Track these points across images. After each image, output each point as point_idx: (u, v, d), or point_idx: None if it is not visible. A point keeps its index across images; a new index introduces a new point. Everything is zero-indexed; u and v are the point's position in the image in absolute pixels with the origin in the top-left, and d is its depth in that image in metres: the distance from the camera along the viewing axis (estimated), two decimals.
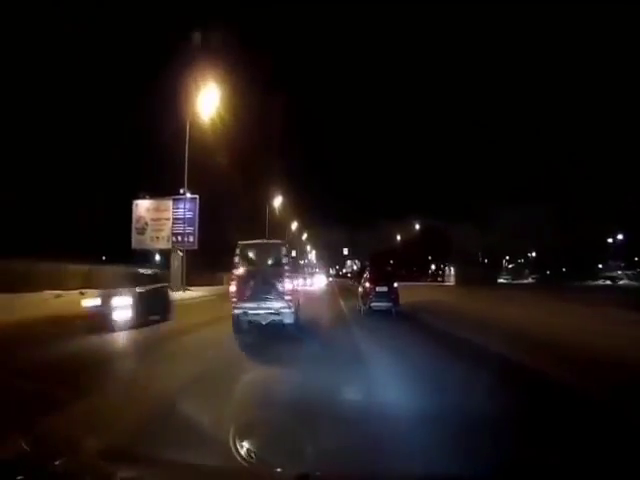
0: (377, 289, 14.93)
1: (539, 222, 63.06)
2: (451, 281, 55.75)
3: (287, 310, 9.67)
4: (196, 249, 23.32)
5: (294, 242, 71.90)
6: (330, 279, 73.08)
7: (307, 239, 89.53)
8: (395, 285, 15.17)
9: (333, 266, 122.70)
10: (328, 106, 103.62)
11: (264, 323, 9.90)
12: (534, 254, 73.77)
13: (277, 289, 9.68)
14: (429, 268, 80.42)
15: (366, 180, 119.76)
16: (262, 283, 9.71)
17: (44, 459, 1.69)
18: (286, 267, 9.91)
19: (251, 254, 10.18)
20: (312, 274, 56.61)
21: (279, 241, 10.95)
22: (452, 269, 56.88)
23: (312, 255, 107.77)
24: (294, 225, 64.84)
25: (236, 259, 10.05)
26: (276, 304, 9.62)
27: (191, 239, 24.01)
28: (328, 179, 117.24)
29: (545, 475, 2.44)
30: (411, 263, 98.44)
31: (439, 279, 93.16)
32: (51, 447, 1.86)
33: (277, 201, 45.68)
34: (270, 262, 10.05)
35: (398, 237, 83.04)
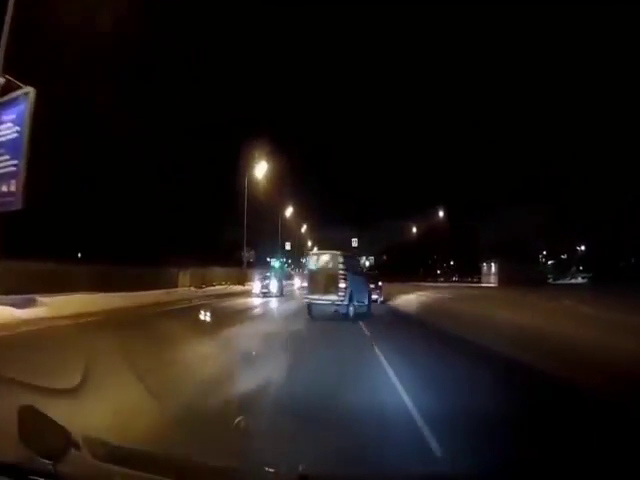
0: None
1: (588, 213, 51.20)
2: (491, 281, 42.84)
3: (342, 303, 12.89)
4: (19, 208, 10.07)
5: (293, 234, 59.98)
6: None
7: (308, 233, 76.87)
8: (380, 284, 21.42)
9: None
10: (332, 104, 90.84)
11: (330, 311, 13.39)
12: (583, 248, 60.23)
13: (333, 287, 12.89)
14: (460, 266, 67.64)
15: (373, 174, 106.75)
16: (324, 282, 13.00)
17: (44, 459, 1.65)
18: (341, 271, 12.97)
19: (317, 259, 13.81)
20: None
21: (338, 252, 13.61)
22: (493, 266, 43.77)
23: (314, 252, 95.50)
24: (289, 211, 51.40)
25: (307, 263, 14.49)
26: (333, 297, 12.83)
27: (12, 187, 9.95)
28: (332, 173, 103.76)
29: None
30: (432, 260, 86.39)
31: (454, 278, 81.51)
32: (51, 447, 1.70)
33: (260, 170, 32.40)
34: (330, 266, 13.19)
35: (414, 230, 70.38)
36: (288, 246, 48.41)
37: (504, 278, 40.85)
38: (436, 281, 76.17)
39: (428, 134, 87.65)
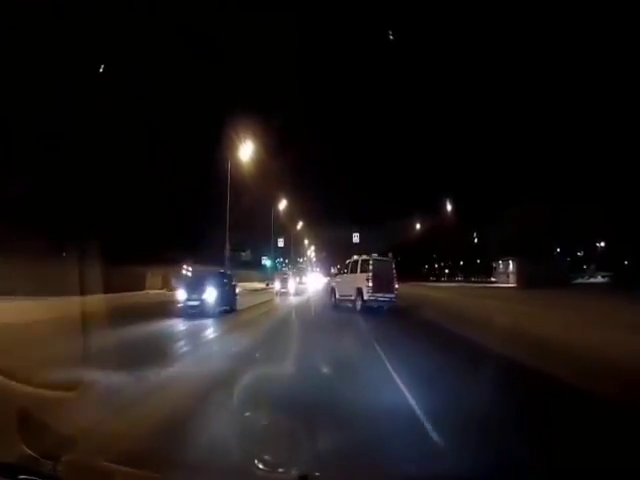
0: None
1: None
2: (508, 281, 38.35)
3: (394, 299, 17.20)
4: None
5: (288, 231, 55.38)
6: (329, 279, 59.46)
7: (305, 231, 72.44)
8: None
9: (335, 265, 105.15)
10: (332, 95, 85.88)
11: (375, 306, 16.75)
12: (602, 244, 55.68)
13: (390, 286, 17.16)
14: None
15: (374, 169, 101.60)
16: (385, 282, 16.89)
17: (44, 459, 1.67)
18: (394, 274, 17.54)
19: (377, 264, 17.26)
20: (300, 272, 39.48)
21: (390, 258, 19.05)
22: (510, 265, 39.29)
23: (311, 251, 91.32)
24: (284, 206, 46.66)
25: (370, 267, 16.86)
26: (389, 295, 17.07)
27: None
28: (331, 169, 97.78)
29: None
30: (435, 259, 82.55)
31: (457, 278, 76.94)
32: (51, 447, 1.77)
33: (245, 152, 27.86)
34: (387, 270, 17.35)
35: (418, 226, 65.84)
36: (281, 242, 43.88)
37: (523, 278, 36.40)
38: (439, 281, 71.88)
39: (433, 125, 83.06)
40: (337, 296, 19.05)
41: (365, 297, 16.64)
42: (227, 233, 25.74)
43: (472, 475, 2.58)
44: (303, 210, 59.61)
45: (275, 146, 38.24)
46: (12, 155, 22.08)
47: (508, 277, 40.13)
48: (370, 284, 16.53)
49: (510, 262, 39.41)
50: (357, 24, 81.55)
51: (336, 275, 22.31)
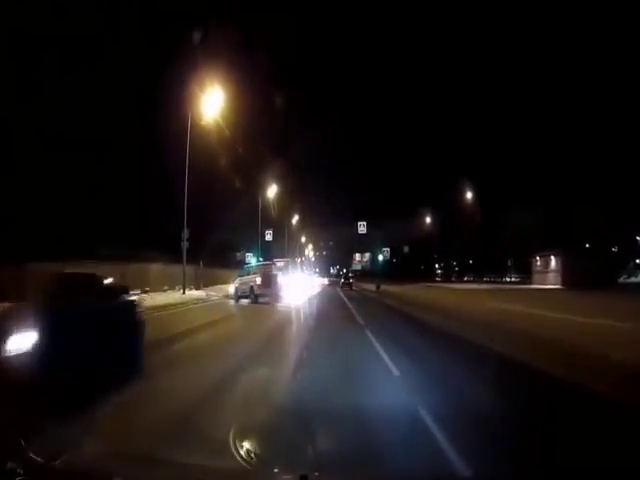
0: (343, 281, 40.80)
1: None
2: (550, 281, 31.17)
3: (275, 292, 21.54)
4: None
5: (284, 224, 48.51)
6: (327, 281, 59.30)
7: (303, 230, 65.66)
8: (352, 280, 41.40)
9: (334, 265, 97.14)
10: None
11: (261, 300, 20.78)
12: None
13: (272, 284, 21.63)
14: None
15: (381, 162, 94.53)
16: (268, 281, 21.53)
17: (44, 459, 1.65)
18: (275, 276, 22.37)
19: (263, 268, 22.63)
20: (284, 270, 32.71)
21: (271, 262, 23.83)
22: (553, 261, 32.07)
23: (309, 250, 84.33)
24: (273, 191, 39.03)
25: (259, 270, 22.32)
26: (271, 290, 21.50)
27: None
28: (335, 162, 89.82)
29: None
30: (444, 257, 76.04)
31: (466, 278, 70.21)
32: (51, 447, 1.77)
33: (212, 106, 20.73)
34: (268, 272, 22.05)
35: (428, 220, 58.90)
36: (269, 236, 36.89)
37: (569, 277, 29.29)
38: (449, 281, 64.84)
39: (442, 114, 75.80)
40: (239, 293, 22.38)
41: (256, 292, 21.04)
42: (185, 221, 18.52)
43: (472, 475, 2.52)
44: (302, 210, 53.41)
45: (273, 144, 37.62)
46: None
47: (545, 276, 32.82)
48: (259, 282, 21.11)
49: (552, 258, 32.14)
50: (359, 13, 74.58)
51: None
